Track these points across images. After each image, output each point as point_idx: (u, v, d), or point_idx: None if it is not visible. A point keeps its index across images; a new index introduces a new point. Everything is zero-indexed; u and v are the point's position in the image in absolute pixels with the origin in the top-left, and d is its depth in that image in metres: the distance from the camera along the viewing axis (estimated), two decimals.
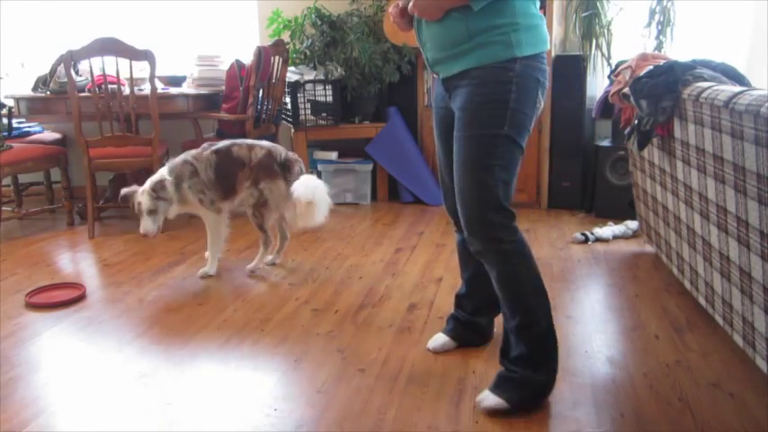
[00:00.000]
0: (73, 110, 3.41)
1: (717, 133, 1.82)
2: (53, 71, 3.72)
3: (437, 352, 2.06)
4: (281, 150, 2.87)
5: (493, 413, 1.70)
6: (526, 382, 1.71)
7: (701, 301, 2.24)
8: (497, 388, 1.73)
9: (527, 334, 1.70)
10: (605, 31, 3.77)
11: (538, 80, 1.62)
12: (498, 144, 1.60)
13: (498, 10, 1.56)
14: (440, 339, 2.09)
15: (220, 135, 3.88)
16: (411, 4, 1.65)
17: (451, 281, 2.73)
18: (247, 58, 3.75)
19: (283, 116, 4.31)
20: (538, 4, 1.65)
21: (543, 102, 1.68)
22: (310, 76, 4.12)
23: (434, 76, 1.80)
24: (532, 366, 1.71)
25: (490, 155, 1.61)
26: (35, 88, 3.85)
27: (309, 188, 2.68)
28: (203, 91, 4.01)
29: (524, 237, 1.71)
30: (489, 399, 1.72)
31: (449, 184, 1.88)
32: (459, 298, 2.11)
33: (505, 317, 1.74)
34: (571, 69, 3.79)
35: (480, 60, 1.60)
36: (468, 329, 2.08)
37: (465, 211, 1.67)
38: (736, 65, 2.34)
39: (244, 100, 3.73)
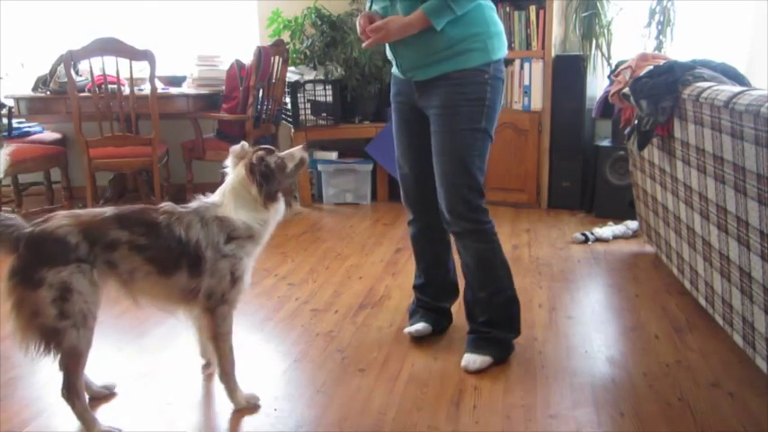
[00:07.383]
0: (73, 110, 3.40)
1: (717, 133, 1.82)
2: (53, 71, 3.72)
3: (418, 335, 2.13)
4: None
5: (479, 372, 1.91)
6: (499, 340, 1.98)
7: (701, 301, 2.24)
8: (477, 348, 1.96)
9: (496, 301, 1.97)
10: (605, 31, 3.77)
11: (502, 80, 1.89)
12: (478, 137, 1.86)
13: (473, 19, 1.79)
14: (416, 324, 2.15)
15: (220, 135, 3.88)
16: (374, 32, 1.78)
17: None
18: (247, 58, 3.74)
19: (283, 116, 4.31)
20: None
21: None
22: (310, 76, 4.12)
23: (402, 76, 1.96)
24: (501, 327, 1.98)
25: (472, 147, 1.86)
26: (35, 88, 3.85)
27: None
28: (203, 91, 4.01)
29: None
30: (476, 360, 1.93)
31: (410, 176, 2.06)
32: (419, 287, 2.22)
33: (473, 288, 1.99)
34: (571, 69, 3.78)
35: (460, 65, 1.81)
36: (436, 313, 2.20)
37: (450, 196, 1.89)
38: (736, 65, 2.35)
39: (244, 100, 3.72)
